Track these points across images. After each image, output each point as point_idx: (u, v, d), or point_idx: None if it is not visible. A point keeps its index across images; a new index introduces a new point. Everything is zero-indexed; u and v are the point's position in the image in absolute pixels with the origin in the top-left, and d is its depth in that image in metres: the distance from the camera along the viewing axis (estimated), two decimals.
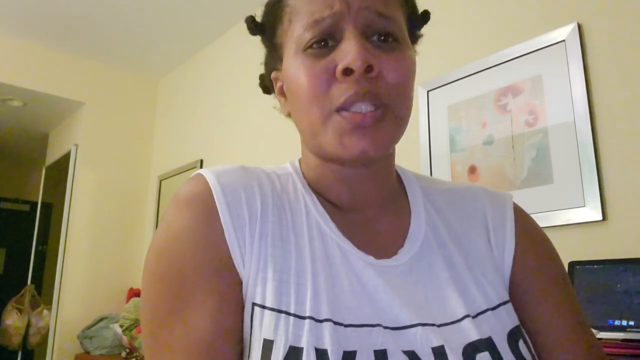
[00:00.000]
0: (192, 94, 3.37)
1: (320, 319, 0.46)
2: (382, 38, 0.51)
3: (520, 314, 0.54)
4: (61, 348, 3.10)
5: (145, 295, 0.50)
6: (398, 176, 0.62)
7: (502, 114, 1.66)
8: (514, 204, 0.61)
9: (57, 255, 3.30)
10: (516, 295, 0.56)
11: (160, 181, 3.46)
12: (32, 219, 4.05)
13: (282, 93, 0.59)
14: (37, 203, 4.00)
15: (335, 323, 0.46)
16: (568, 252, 1.39)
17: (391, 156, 0.59)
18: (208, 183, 0.51)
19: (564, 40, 1.52)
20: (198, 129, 3.24)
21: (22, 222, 4.95)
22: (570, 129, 1.47)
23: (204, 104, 3.22)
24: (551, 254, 0.60)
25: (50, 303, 3.26)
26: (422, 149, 1.85)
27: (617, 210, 1.35)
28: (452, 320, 0.49)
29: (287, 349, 0.44)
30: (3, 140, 4.56)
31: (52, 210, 3.80)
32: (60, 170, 3.59)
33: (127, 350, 2.70)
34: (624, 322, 1.20)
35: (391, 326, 0.47)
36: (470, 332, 0.48)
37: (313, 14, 0.50)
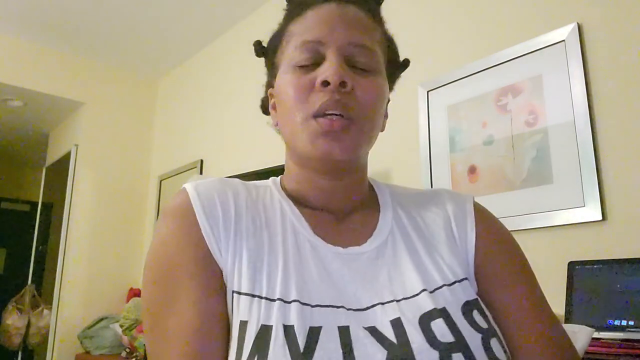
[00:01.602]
0: (192, 94, 3.37)
1: (289, 300, 0.52)
2: (360, 67, 0.60)
3: (486, 298, 0.60)
4: (61, 348, 3.10)
5: (144, 296, 0.57)
6: (370, 186, 0.70)
7: (502, 114, 1.66)
8: (474, 201, 0.69)
9: (57, 255, 3.30)
10: (481, 281, 0.62)
11: (160, 181, 3.46)
12: (32, 219, 4.06)
13: (275, 107, 0.67)
14: (37, 203, 4.00)
15: (303, 304, 0.52)
16: (568, 252, 1.39)
17: (362, 171, 0.67)
18: (187, 194, 0.59)
19: (564, 40, 1.52)
20: (198, 129, 3.24)
21: (22, 222, 4.95)
22: (570, 129, 1.47)
23: (204, 104, 3.22)
24: (510, 242, 0.66)
25: (50, 303, 3.26)
26: (422, 149, 1.85)
27: (617, 210, 1.35)
28: (411, 294, 0.56)
29: (259, 327, 0.50)
30: (3, 140, 4.56)
31: (52, 210, 3.79)
32: (60, 171, 3.59)
33: (127, 350, 2.70)
34: (624, 322, 1.20)
35: (354, 308, 0.54)
36: (426, 303, 0.54)
37: (304, 36, 0.61)
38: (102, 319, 2.99)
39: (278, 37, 0.66)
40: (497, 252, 0.64)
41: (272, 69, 0.68)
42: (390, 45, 0.67)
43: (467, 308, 0.55)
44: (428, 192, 0.71)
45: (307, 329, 0.50)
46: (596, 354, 1.11)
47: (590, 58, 1.47)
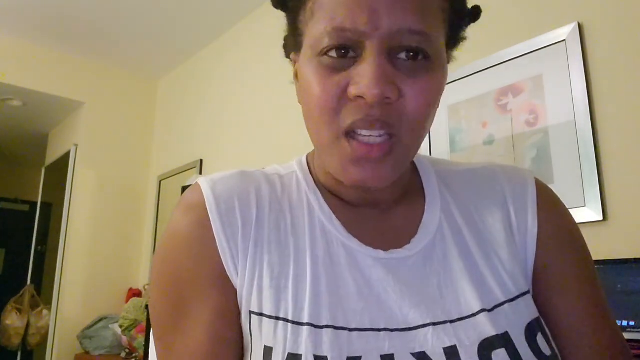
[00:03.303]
0: (192, 94, 3.37)
1: (320, 325, 0.45)
2: (411, 55, 0.45)
3: (542, 301, 0.52)
4: (61, 348, 3.10)
5: (152, 300, 0.52)
6: (412, 164, 0.58)
7: (502, 114, 1.66)
8: (537, 180, 0.57)
9: (56, 255, 3.30)
10: (539, 282, 0.53)
11: (160, 181, 3.46)
12: (32, 219, 4.05)
13: (298, 78, 0.55)
14: (37, 203, 4.00)
15: (338, 328, 0.45)
16: None
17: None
18: (203, 194, 0.51)
19: (564, 40, 1.52)
20: (198, 129, 3.23)
21: (22, 222, 4.95)
22: (570, 128, 1.47)
23: (204, 103, 3.22)
24: (577, 238, 0.57)
25: (50, 303, 3.26)
26: (422, 149, 1.84)
27: (617, 210, 1.35)
28: (467, 314, 0.47)
29: (286, 355, 0.44)
30: (3, 140, 4.56)
31: (52, 210, 3.79)
32: (60, 170, 3.59)
33: (127, 350, 2.70)
34: (624, 322, 1.20)
35: (400, 327, 0.46)
36: (486, 327, 0.46)
37: (334, 20, 0.45)
38: (101, 319, 2.99)
39: None
40: (561, 249, 0.54)
41: (294, 32, 0.53)
42: None
43: (531, 331, 0.47)
44: (479, 170, 0.58)
45: None
46: None
47: (590, 58, 1.47)
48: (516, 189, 0.55)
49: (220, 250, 0.49)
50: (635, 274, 1.22)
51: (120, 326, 2.72)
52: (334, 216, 0.52)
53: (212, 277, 0.48)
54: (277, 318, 0.46)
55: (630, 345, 1.15)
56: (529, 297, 0.50)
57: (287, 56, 0.58)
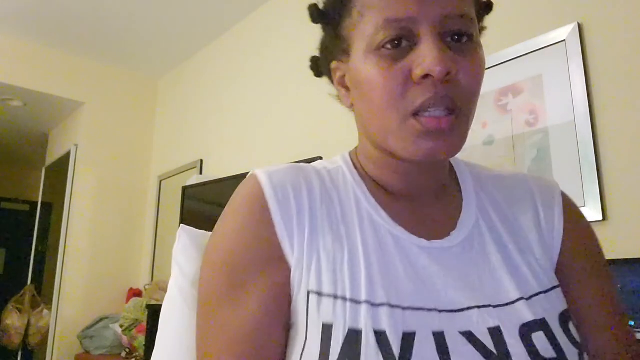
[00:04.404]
0: (192, 93, 3.37)
1: (377, 302, 0.48)
2: (457, 38, 0.50)
3: (564, 294, 0.56)
4: (61, 348, 3.10)
5: (204, 283, 0.54)
6: (450, 164, 0.63)
7: (502, 114, 1.66)
8: (562, 191, 0.63)
9: (57, 255, 3.30)
10: (561, 277, 0.57)
11: (160, 181, 3.46)
12: (32, 219, 4.06)
13: (343, 84, 0.59)
14: (37, 203, 4.00)
15: (393, 306, 0.48)
16: None
17: None
18: (260, 183, 0.54)
19: (564, 40, 1.52)
20: (198, 128, 3.24)
21: (22, 222, 4.96)
22: (570, 129, 1.47)
23: (204, 103, 3.22)
24: (596, 243, 0.62)
25: (50, 303, 3.26)
26: None
27: (617, 210, 1.35)
28: (507, 302, 0.51)
29: (347, 331, 0.46)
30: (3, 140, 4.56)
31: (52, 210, 3.79)
32: (60, 170, 3.59)
33: (127, 350, 2.70)
34: None
35: (447, 309, 0.49)
36: (525, 313, 0.50)
37: (387, 13, 0.50)
38: (102, 319, 2.99)
39: (344, 3, 0.55)
40: (581, 251, 0.59)
41: (337, 41, 0.57)
42: None
43: (564, 319, 0.52)
44: (510, 176, 0.64)
45: (401, 335, 0.46)
46: None
47: (590, 58, 1.47)
48: (544, 193, 0.61)
49: (279, 234, 0.52)
50: (635, 274, 1.22)
51: (121, 326, 2.72)
52: (379, 207, 0.56)
53: (270, 256, 0.51)
54: (336, 297, 0.48)
55: None
56: (559, 290, 0.55)
57: (319, 73, 0.64)
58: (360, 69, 0.53)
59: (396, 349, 0.45)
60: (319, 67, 0.65)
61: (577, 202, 1.41)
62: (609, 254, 1.30)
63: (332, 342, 0.46)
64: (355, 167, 0.60)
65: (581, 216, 0.63)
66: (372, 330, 0.46)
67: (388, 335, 0.45)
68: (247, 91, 2.85)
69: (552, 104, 1.53)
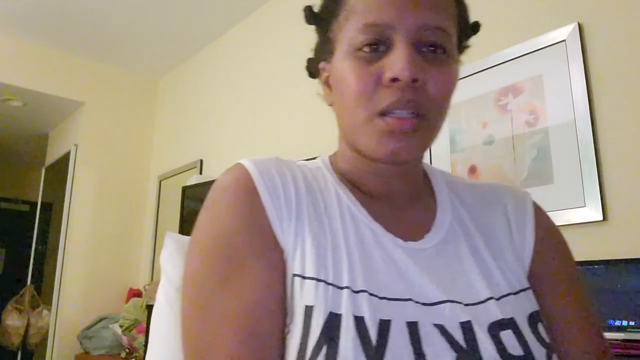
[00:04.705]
0: (192, 94, 3.37)
1: (357, 289, 0.49)
2: (432, 48, 0.53)
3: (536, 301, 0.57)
4: (61, 348, 3.10)
5: (193, 271, 0.52)
6: (424, 172, 0.66)
7: (502, 114, 1.66)
8: (533, 201, 0.65)
9: (57, 255, 3.30)
10: (533, 284, 0.58)
11: (160, 181, 3.46)
12: (32, 219, 4.05)
13: (328, 84, 0.62)
14: (37, 203, 4.00)
15: (371, 294, 0.49)
16: None
17: (421, 156, 0.62)
18: (247, 169, 0.55)
19: (564, 40, 1.52)
20: (198, 129, 3.24)
21: (22, 222, 4.95)
22: (570, 128, 1.47)
23: (204, 103, 3.22)
24: (567, 251, 0.63)
25: (50, 303, 3.26)
26: None
27: (617, 210, 1.35)
28: (478, 301, 0.52)
29: (327, 314, 0.47)
30: (3, 140, 4.56)
31: (52, 210, 3.79)
32: (60, 170, 3.59)
33: (127, 350, 2.70)
34: (624, 322, 1.20)
35: (422, 301, 0.50)
36: (494, 311, 0.51)
37: (368, 18, 0.53)
38: (101, 319, 2.99)
39: (334, 9, 0.58)
40: (552, 258, 0.61)
41: (325, 42, 0.60)
42: (459, 6, 0.58)
43: (533, 320, 0.53)
44: (484, 185, 0.67)
45: (378, 321, 0.47)
46: None
47: (590, 58, 1.47)
48: (517, 203, 0.63)
49: (269, 216, 0.52)
50: (635, 274, 1.22)
51: (121, 326, 2.72)
52: (359, 204, 0.57)
53: (265, 238, 0.52)
54: (319, 280, 0.49)
55: (630, 345, 1.15)
56: (530, 292, 0.56)
57: (312, 74, 0.66)
58: (339, 67, 0.56)
59: (373, 335, 0.46)
60: (312, 69, 0.67)
61: (577, 202, 1.41)
62: (609, 254, 1.31)
63: (312, 324, 0.47)
64: (334, 170, 0.62)
65: (552, 225, 0.64)
66: (352, 315, 0.47)
67: (366, 321, 0.47)
68: (246, 91, 2.85)
69: (552, 104, 1.53)
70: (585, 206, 1.40)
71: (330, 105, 0.62)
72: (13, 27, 3.11)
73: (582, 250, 1.38)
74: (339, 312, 0.47)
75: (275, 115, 2.58)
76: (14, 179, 5.38)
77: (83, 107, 3.49)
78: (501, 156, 1.64)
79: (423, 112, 0.52)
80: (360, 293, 0.49)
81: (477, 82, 1.73)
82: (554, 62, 1.54)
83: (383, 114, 0.52)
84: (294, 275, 0.51)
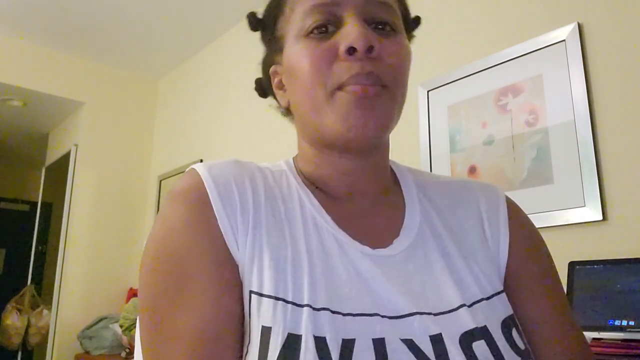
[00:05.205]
0: (192, 94, 3.37)
1: (318, 307, 0.46)
2: (380, 26, 0.53)
3: (512, 303, 0.55)
4: (61, 348, 3.10)
5: (145, 290, 0.50)
6: (392, 171, 0.63)
7: (502, 114, 1.66)
8: (506, 196, 0.63)
9: (57, 255, 3.30)
10: (510, 285, 0.57)
11: (160, 181, 3.46)
12: (32, 219, 4.05)
13: (281, 87, 0.60)
14: (37, 203, 4.00)
15: (333, 312, 0.47)
16: (568, 252, 1.39)
17: (386, 150, 0.60)
18: (200, 176, 0.52)
19: (564, 40, 1.52)
20: (198, 128, 3.24)
21: (22, 222, 4.95)
22: (570, 128, 1.47)
23: (204, 103, 3.22)
24: (542, 248, 0.61)
25: (50, 303, 3.26)
26: (422, 149, 1.85)
27: (617, 210, 1.35)
28: (449, 309, 0.50)
29: (286, 335, 0.44)
30: (3, 140, 4.56)
31: (52, 210, 3.79)
32: (60, 170, 3.59)
33: (127, 350, 2.70)
34: (624, 322, 1.20)
35: (389, 315, 0.48)
36: (466, 320, 0.49)
37: (314, 0, 0.53)
38: (101, 319, 2.99)
39: (278, 6, 0.58)
40: (528, 257, 0.59)
41: (273, 44, 0.59)
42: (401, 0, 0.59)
43: (507, 326, 0.51)
44: (455, 182, 0.64)
45: (340, 341, 0.45)
46: (597, 354, 1.11)
47: (590, 58, 1.47)
48: (490, 200, 0.61)
49: (222, 228, 0.49)
50: (635, 274, 1.22)
51: (121, 326, 2.72)
52: (323, 210, 0.55)
53: (216, 254, 0.49)
54: (277, 298, 0.47)
55: (630, 345, 1.15)
56: (503, 295, 0.54)
57: (264, 92, 0.66)
58: (290, 53, 0.55)
59: (335, 356, 0.44)
60: (262, 85, 0.66)
61: (577, 202, 1.41)
62: (609, 254, 1.31)
63: (270, 346, 0.44)
64: (299, 172, 0.59)
65: (527, 221, 0.62)
66: (312, 336, 0.44)
67: (328, 341, 0.44)
68: (247, 91, 2.84)
69: (552, 104, 1.53)
70: (585, 206, 1.40)
71: (286, 108, 0.61)
72: (13, 27, 3.11)
73: (581, 250, 1.38)
74: (299, 333, 0.44)
75: (275, 115, 2.57)
76: (14, 179, 5.38)
77: (83, 107, 3.49)
78: (501, 156, 1.64)
79: (383, 83, 0.51)
80: (322, 311, 0.46)
81: (477, 82, 1.73)
82: (554, 62, 1.54)
83: (342, 87, 0.51)
84: (251, 292, 0.48)
